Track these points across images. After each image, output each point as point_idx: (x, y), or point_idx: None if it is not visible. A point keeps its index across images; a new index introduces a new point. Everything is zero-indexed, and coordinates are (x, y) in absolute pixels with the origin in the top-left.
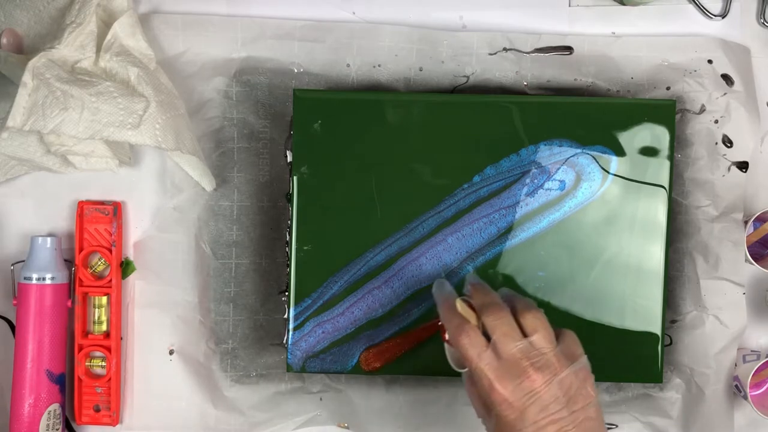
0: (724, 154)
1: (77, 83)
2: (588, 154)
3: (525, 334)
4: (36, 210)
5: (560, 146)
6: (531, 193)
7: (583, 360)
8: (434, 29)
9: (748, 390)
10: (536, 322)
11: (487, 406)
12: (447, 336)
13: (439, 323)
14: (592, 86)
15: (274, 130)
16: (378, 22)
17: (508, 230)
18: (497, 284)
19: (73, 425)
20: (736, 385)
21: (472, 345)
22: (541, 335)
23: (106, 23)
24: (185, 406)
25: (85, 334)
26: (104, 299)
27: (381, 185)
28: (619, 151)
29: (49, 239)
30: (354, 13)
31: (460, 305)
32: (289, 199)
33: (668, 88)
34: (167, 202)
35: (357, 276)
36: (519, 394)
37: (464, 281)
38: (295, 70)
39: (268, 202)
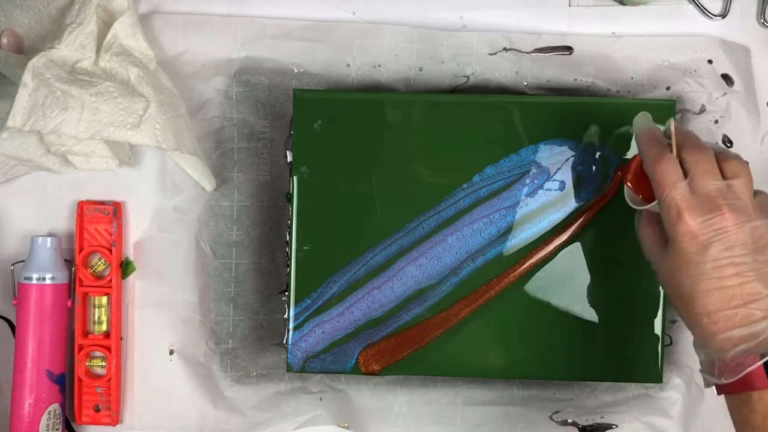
0: None
1: (77, 83)
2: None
3: (725, 179)
4: (36, 210)
5: (560, 146)
6: (531, 194)
7: None
8: (434, 29)
9: None
10: (739, 169)
11: (661, 242)
12: (629, 178)
13: (618, 172)
14: (592, 86)
15: (274, 130)
16: (378, 22)
17: (508, 230)
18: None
19: (73, 425)
20: None
21: (669, 172)
22: (741, 181)
23: (106, 23)
24: (185, 406)
25: (85, 334)
26: (104, 299)
27: (381, 185)
28: (620, 151)
29: (49, 239)
30: (354, 13)
31: (674, 125)
32: (289, 199)
33: (668, 88)
34: (167, 202)
35: (357, 276)
36: (707, 229)
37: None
38: (295, 70)
39: (268, 202)
